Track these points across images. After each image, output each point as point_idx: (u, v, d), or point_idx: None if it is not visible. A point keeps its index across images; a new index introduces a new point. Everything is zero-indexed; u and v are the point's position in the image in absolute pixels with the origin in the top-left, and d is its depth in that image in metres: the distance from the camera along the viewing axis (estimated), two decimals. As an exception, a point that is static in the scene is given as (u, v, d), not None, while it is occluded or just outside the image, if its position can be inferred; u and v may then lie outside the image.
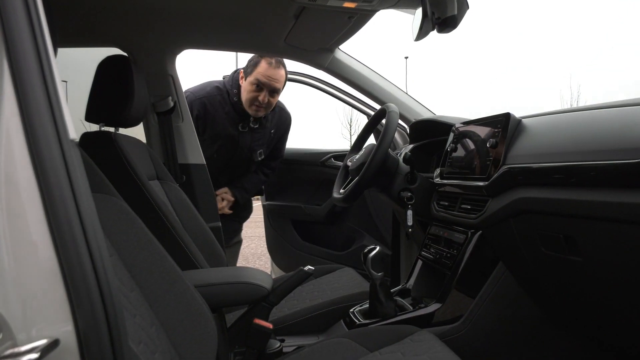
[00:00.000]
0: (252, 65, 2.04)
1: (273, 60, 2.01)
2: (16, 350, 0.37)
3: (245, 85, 2.05)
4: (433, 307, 1.29)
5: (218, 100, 2.11)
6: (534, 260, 1.11)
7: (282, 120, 2.31)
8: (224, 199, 2.21)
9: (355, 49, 2.06)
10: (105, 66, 1.45)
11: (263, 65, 2.01)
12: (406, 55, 28.21)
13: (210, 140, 2.12)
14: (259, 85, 2.01)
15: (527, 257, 1.12)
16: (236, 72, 2.18)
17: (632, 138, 0.83)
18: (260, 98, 2.03)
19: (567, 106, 24.33)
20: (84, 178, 0.43)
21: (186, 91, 2.13)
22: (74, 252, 0.40)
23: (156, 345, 0.84)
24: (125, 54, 1.83)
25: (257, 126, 2.15)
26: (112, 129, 1.51)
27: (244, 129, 2.13)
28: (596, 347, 1.26)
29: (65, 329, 0.40)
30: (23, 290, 0.40)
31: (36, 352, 0.36)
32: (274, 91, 2.05)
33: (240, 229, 2.49)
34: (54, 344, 0.38)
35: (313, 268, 1.43)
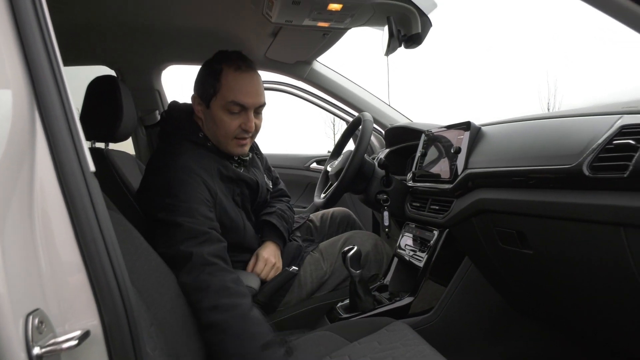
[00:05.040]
0: (211, 81, 1.32)
1: (241, 63, 1.32)
2: (57, 340, 0.48)
3: (216, 114, 1.32)
4: (407, 300, 1.41)
5: (198, 155, 1.33)
6: (493, 253, 1.24)
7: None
8: (262, 264, 1.47)
9: (338, 47, 1.95)
10: (94, 87, 1.53)
11: (231, 74, 1.31)
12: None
13: (230, 193, 1.40)
14: (239, 108, 1.32)
15: (488, 251, 1.25)
16: (174, 106, 1.46)
17: (568, 146, 0.96)
18: (246, 126, 1.33)
19: (545, 102, 24.90)
20: (103, 202, 0.54)
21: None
22: (99, 263, 0.51)
23: (155, 343, 0.94)
24: (113, 71, 1.92)
25: (247, 157, 1.49)
26: (103, 145, 1.60)
27: (241, 167, 1.47)
28: (552, 330, 1.40)
29: (93, 322, 0.51)
30: (59, 294, 0.50)
31: (74, 340, 0.47)
32: (260, 107, 1.37)
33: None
34: (86, 334, 0.49)
35: (297, 268, 1.54)
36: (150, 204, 1.24)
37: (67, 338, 0.47)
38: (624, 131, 0.84)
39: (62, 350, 0.47)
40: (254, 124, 1.34)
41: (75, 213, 0.51)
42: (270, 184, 1.70)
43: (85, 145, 0.54)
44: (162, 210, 1.20)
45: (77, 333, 0.48)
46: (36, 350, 0.45)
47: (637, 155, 0.79)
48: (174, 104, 1.48)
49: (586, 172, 0.88)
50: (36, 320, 0.46)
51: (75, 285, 0.51)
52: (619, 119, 0.88)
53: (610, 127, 0.87)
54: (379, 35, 1.60)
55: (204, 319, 1.08)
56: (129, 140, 2.16)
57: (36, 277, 0.49)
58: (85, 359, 0.52)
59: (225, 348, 1.06)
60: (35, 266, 0.49)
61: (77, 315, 0.51)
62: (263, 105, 1.37)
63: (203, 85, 1.34)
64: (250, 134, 1.37)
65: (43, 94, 0.52)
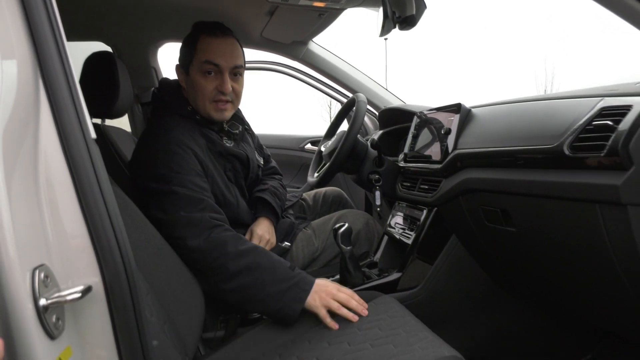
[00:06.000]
0: (189, 48, 1.38)
1: (217, 30, 1.37)
2: (61, 293, 0.51)
3: (194, 79, 1.37)
4: (395, 276, 1.46)
5: (189, 129, 1.36)
6: (479, 232, 1.28)
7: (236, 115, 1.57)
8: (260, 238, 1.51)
9: (336, 29, 1.99)
10: (90, 62, 1.53)
11: (206, 39, 1.35)
12: (385, 37, 28.23)
13: (222, 168, 1.44)
14: (213, 68, 1.35)
15: (474, 230, 1.30)
16: (164, 81, 1.50)
17: (551, 127, 1.00)
18: (222, 87, 1.36)
19: (542, 88, 24.92)
20: (104, 169, 0.57)
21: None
22: (100, 224, 0.54)
23: (152, 310, 0.98)
24: (109, 47, 1.93)
25: (237, 130, 1.52)
26: (99, 121, 1.62)
27: (231, 141, 1.49)
28: (535, 306, 1.46)
29: (95, 279, 0.54)
30: (62, 253, 0.54)
31: (77, 294, 0.51)
32: (237, 68, 1.38)
33: None
34: (88, 289, 0.53)
35: (289, 244, 1.58)
36: (142, 175, 1.27)
37: (71, 292, 0.51)
38: (603, 112, 0.88)
39: (66, 302, 0.50)
40: (229, 86, 1.37)
41: (77, 177, 0.54)
42: (262, 160, 1.73)
43: (87, 113, 0.57)
44: (155, 180, 1.23)
45: (80, 287, 0.52)
46: (42, 302, 0.49)
47: (613, 135, 0.82)
48: (165, 80, 1.51)
49: (567, 151, 0.91)
50: (42, 275, 0.49)
51: (78, 246, 0.55)
52: (600, 101, 0.91)
53: (592, 109, 0.91)
54: (375, 17, 1.61)
55: (231, 267, 1.17)
56: (125, 117, 2.18)
57: (41, 236, 0.52)
58: (88, 315, 0.56)
59: (261, 281, 1.17)
60: (40, 226, 0.52)
61: (79, 273, 0.55)
62: (240, 67, 1.40)
63: (183, 54, 1.41)
64: (229, 97, 1.39)
65: (47, 63, 0.55)
